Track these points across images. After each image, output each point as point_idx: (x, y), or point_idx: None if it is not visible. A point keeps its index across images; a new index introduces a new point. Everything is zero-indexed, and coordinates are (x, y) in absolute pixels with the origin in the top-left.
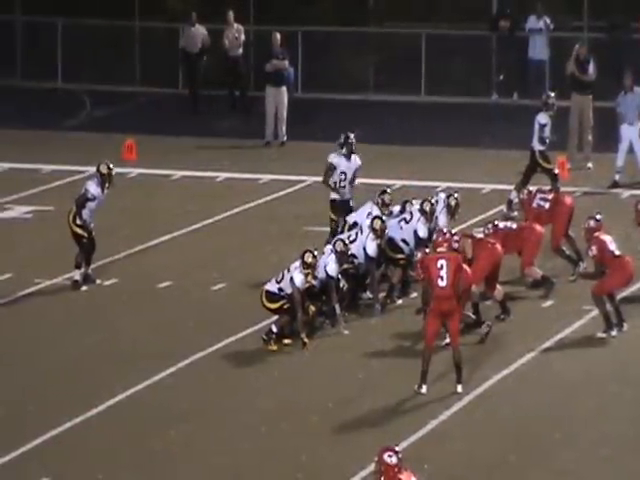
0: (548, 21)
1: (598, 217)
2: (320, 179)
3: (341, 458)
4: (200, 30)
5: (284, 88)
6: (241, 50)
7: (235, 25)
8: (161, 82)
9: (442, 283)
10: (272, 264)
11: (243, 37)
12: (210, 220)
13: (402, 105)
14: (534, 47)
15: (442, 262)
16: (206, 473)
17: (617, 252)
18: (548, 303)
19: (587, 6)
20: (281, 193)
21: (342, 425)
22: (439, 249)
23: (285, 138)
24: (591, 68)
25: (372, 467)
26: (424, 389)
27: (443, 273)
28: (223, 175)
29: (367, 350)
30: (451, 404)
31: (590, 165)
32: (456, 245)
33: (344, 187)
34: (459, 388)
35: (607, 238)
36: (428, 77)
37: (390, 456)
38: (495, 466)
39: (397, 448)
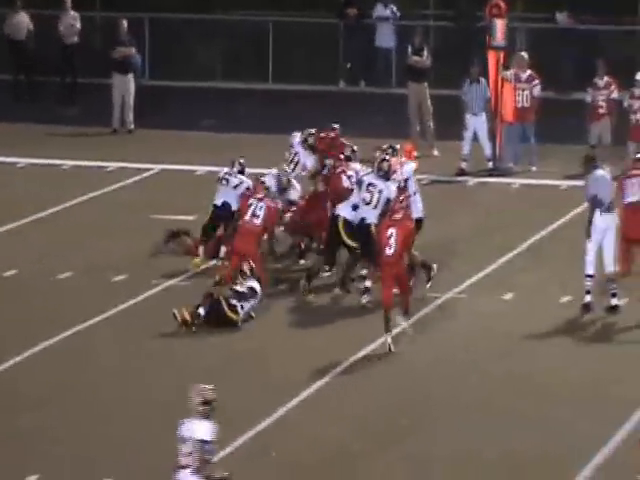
0: (395, 9)
1: None
2: (167, 167)
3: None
4: (25, 17)
5: (131, 75)
6: (77, 38)
7: (71, 12)
8: None
9: (390, 251)
10: (119, 252)
11: (79, 25)
12: (57, 208)
13: (250, 92)
14: (381, 35)
15: (392, 230)
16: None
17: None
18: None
19: None
20: (129, 181)
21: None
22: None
23: (132, 126)
24: (425, 56)
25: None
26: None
27: (392, 241)
28: (70, 163)
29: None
30: (300, 391)
31: (436, 152)
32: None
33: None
34: (400, 320)
35: None
36: (276, 65)
37: None
38: (340, 453)
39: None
